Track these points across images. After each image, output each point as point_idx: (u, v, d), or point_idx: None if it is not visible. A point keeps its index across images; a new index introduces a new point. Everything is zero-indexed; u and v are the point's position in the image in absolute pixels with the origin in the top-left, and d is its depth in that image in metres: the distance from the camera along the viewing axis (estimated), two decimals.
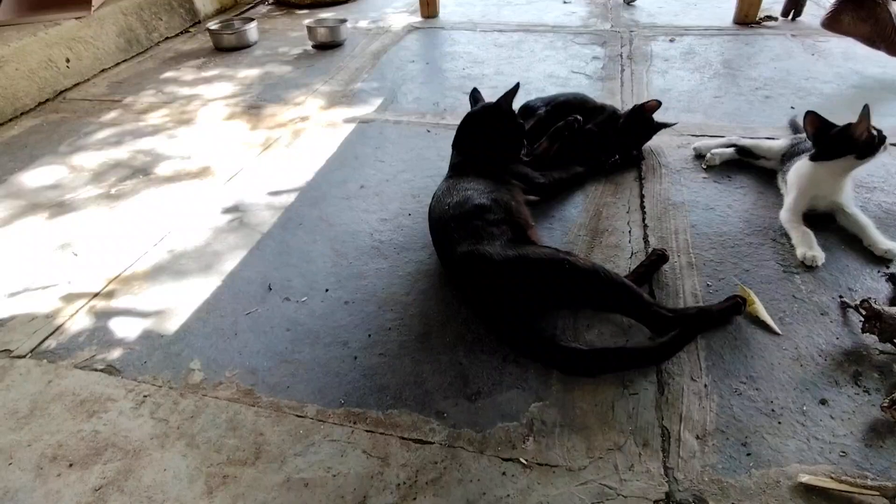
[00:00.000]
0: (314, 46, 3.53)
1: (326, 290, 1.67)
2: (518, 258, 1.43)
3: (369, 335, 1.51)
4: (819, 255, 1.63)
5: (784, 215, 1.78)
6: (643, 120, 2.13)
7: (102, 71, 3.31)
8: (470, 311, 1.55)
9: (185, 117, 2.75)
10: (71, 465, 1.23)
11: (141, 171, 2.33)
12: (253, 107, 2.81)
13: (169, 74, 3.25)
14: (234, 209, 2.06)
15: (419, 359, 1.43)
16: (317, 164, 2.29)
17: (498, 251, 1.45)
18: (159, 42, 3.73)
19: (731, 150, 2.10)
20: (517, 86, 1.95)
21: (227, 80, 3.14)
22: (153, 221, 2.02)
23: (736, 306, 1.46)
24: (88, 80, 3.21)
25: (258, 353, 1.48)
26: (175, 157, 2.41)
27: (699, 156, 2.17)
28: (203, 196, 2.15)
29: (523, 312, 1.42)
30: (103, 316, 1.62)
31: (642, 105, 2.11)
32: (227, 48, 3.55)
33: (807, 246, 1.66)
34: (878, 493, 1.04)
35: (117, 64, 3.40)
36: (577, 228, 1.84)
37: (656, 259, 1.63)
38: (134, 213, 2.08)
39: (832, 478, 1.08)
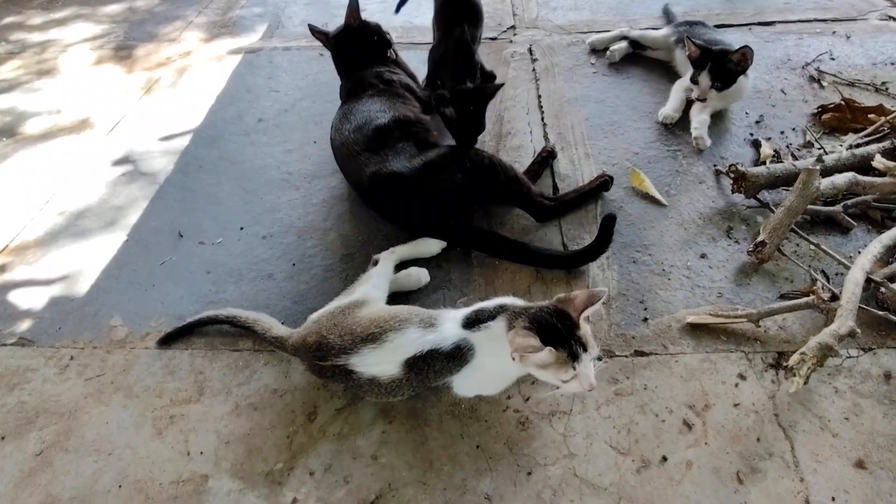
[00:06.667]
0: None
1: (241, 229, 1.64)
2: (423, 165, 1.47)
3: (293, 264, 1.53)
4: (671, 115, 1.85)
5: (677, 83, 1.95)
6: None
7: None
8: (391, 226, 1.59)
9: (43, 67, 2.45)
10: (3, 438, 1.20)
11: (5, 133, 2.08)
12: (123, 47, 2.54)
13: (10, 20, 2.83)
14: (124, 160, 1.92)
15: (346, 277, 1.47)
16: (207, 101, 2.15)
17: (405, 164, 1.48)
18: None
19: (625, 43, 2.19)
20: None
21: (84, 19, 2.79)
22: (33, 185, 1.84)
23: (604, 184, 1.63)
24: None
25: (181, 298, 1.46)
26: (43, 113, 2.17)
27: (594, 50, 2.25)
28: (86, 150, 1.97)
29: (443, 210, 1.49)
30: (0, 291, 1.52)
31: None
32: None
33: (670, 108, 1.87)
34: (745, 319, 1.24)
35: None
36: (481, 135, 1.89)
37: (546, 156, 1.75)
38: (7, 178, 1.88)
39: (710, 314, 1.28)
